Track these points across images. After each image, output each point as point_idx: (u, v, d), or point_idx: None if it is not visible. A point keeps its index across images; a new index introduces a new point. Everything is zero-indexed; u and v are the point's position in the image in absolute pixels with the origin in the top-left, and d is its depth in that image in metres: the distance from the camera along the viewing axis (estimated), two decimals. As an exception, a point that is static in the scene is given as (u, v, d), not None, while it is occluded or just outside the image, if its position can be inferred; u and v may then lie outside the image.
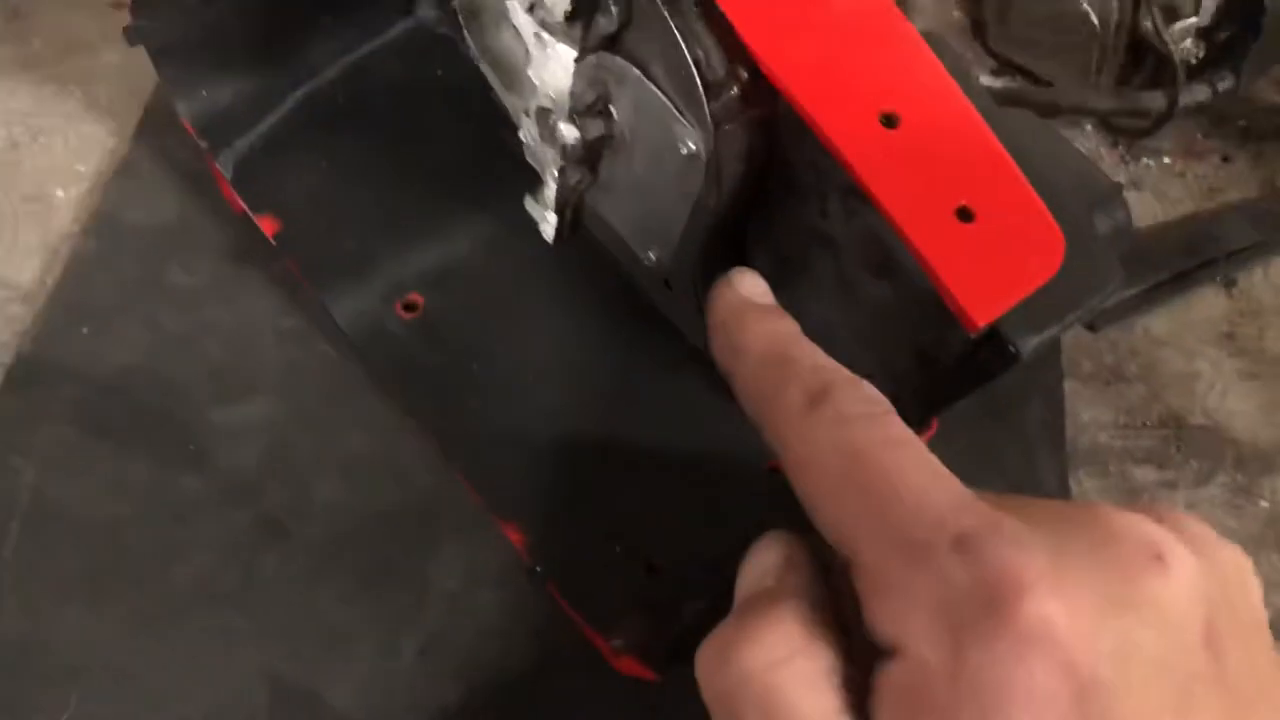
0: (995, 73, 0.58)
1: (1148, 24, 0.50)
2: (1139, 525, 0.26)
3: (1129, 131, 0.53)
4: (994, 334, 0.36)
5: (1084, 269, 0.38)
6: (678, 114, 0.40)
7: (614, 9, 0.40)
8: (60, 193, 0.56)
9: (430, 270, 0.50)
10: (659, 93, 0.40)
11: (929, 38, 0.40)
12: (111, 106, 0.59)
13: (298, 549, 0.45)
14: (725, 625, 0.29)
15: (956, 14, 0.63)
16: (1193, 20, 0.50)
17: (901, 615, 0.25)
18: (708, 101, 0.38)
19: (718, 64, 0.39)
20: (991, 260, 0.37)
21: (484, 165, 0.53)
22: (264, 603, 0.44)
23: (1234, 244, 0.41)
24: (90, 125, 0.58)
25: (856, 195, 0.38)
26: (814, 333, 0.47)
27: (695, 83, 0.38)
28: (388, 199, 0.52)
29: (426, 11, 0.56)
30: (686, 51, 0.38)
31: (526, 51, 0.43)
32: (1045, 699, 0.23)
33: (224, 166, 0.52)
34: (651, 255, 0.47)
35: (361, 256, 0.50)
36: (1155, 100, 0.51)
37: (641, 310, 0.50)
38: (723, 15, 0.38)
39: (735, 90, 0.39)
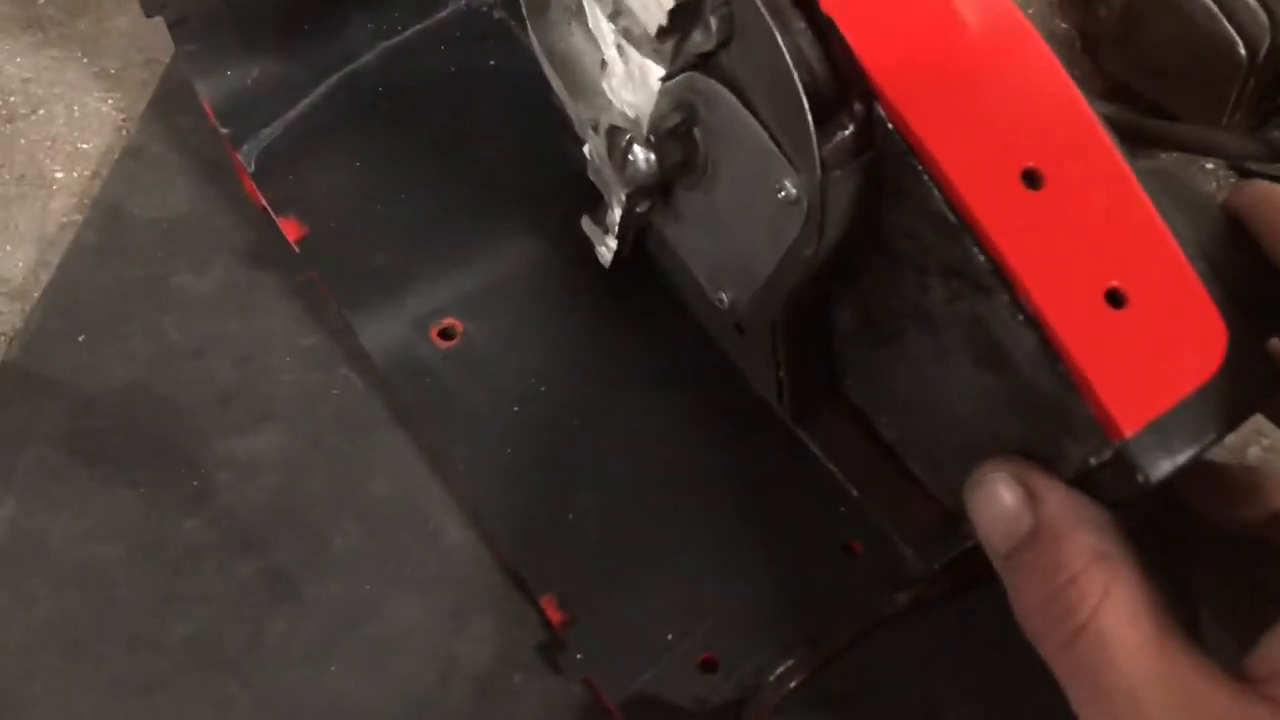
0: (1105, 97, 0.52)
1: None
2: None
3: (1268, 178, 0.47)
4: (1119, 456, 0.30)
5: (1240, 372, 0.32)
6: (778, 152, 0.34)
7: (714, 23, 0.34)
8: (59, 173, 0.50)
9: (471, 293, 0.45)
10: (758, 125, 0.34)
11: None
12: (121, 78, 0.53)
13: (309, 611, 0.39)
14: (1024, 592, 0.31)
15: (1061, 24, 0.57)
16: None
17: None
18: (818, 142, 0.32)
19: (833, 96, 0.33)
20: (1143, 356, 0.31)
21: (538, 174, 0.47)
22: (269, 673, 0.38)
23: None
24: (96, 98, 0.52)
25: (961, 279, 0.32)
26: (901, 405, 0.41)
27: (805, 118, 0.32)
28: (427, 207, 0.46)
29: (481, -8, 0.50)
30: (797, 79, 0.32)
31: (602, 61, 0.37)
32: None
33: (246, 158, 0.46)
34: (724, 298, 0.41)
35: (395, 273, 0.45)
36: (1309, 146, 0.45)
37: (709, 353, 0.44)
38: (842, 39, 0.32)
39: (851, 129, 0.33)
